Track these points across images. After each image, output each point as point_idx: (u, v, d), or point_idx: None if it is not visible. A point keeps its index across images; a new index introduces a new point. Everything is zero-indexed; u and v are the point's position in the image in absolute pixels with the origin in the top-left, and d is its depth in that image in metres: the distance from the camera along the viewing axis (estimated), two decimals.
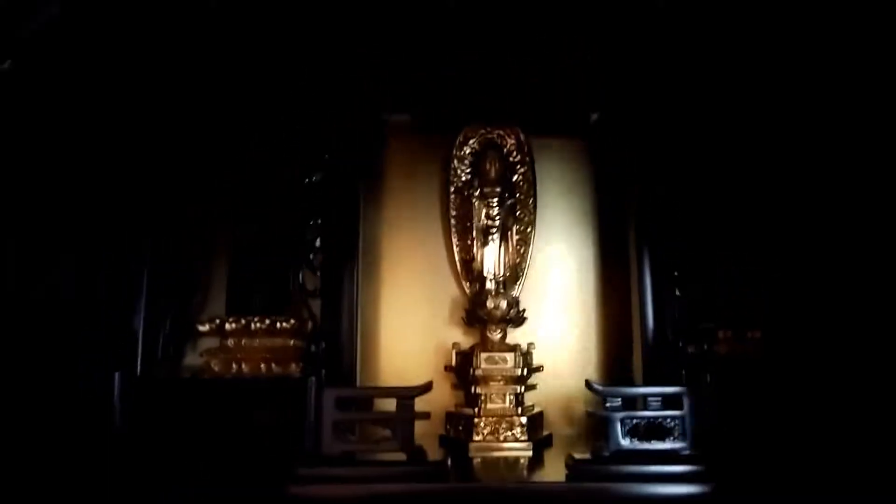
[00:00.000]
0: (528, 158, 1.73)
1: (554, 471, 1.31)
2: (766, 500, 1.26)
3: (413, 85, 1.51)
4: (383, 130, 1.67)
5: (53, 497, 1.27)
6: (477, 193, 1.66)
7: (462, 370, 1.52)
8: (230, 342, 1.50)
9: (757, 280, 1.52)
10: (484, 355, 1.49)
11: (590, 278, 1.71)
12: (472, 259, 1.66)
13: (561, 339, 1.68)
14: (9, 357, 1.31)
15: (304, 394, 1.26)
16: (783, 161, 1.49)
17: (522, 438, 1.44)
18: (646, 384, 1.48)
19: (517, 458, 1.41)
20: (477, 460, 1.39)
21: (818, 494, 1.25)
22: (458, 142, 1.72)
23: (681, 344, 1.46)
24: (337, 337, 1.49)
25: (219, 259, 1.58)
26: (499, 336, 1.55)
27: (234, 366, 1.48)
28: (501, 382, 1.48)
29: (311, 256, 1.54)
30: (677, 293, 1.51)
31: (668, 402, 1.26)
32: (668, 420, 1.24)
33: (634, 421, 1.24)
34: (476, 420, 1.45)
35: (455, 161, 1.72)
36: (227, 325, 1.50)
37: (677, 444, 1.24)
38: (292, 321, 1.50)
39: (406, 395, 1.25)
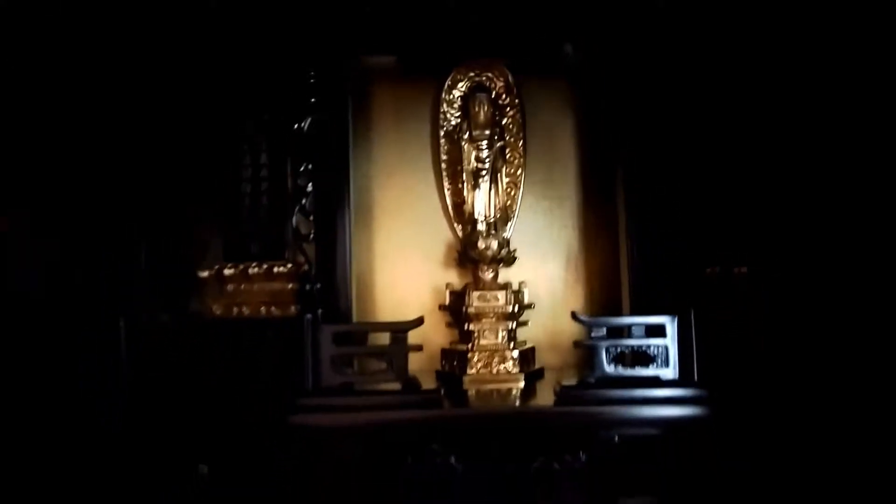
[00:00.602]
0: (517, 101, 1.73)
1: (543, 398, 1.38)
2: (746, 422, 1.34)
3: (397, 24, 1.51)
4: (368, 73, 1.67)
5: (73, 441, 1.34)
6: (466, 137, 1.68)
7: (455, 309, 1.58)
8: (230, 287, 1.55)
9: (744, 218, 1.55)
10: (476, 294, 1.54)
11: (578, 218, 1.75)
12: (463, 202, 1.69)
13: (551, 277, 1.72)
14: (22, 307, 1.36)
15: (303, 332, 1.31)
16: (766, 101, 1.50)
17: (514, 371, 1.51)
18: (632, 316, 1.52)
19: (509, 389, 1.48)
20: (471, 392, 1.46)
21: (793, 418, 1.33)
22: (446, 85, 1.72)
23: (668, 279, 1.51)
24: (332, 279, 1.54)
25: (215, 207, 1.61)
26: (490, 276, 1.60)
27: (234, 309, 1.53)
28: (493, 319, 1.54)
29: (304, 202, 1.57)
30: (665, 232, 1.55)
31: (652, 331, 1.32)
32: (652, 348, 1.30)
33: (619, 349, 1.30)
34: (469, 355, 1.52)
35: (444, 105, 1.73)
36: (226, 271, 1.54)
37: (661, 371, 1.30)
38: (288, 265, 1.54)
39: (399, 329, 1.31)
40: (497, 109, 1.72)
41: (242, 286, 1.55)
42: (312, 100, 1.52)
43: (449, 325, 1.63)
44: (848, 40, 1.44)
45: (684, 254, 1.55)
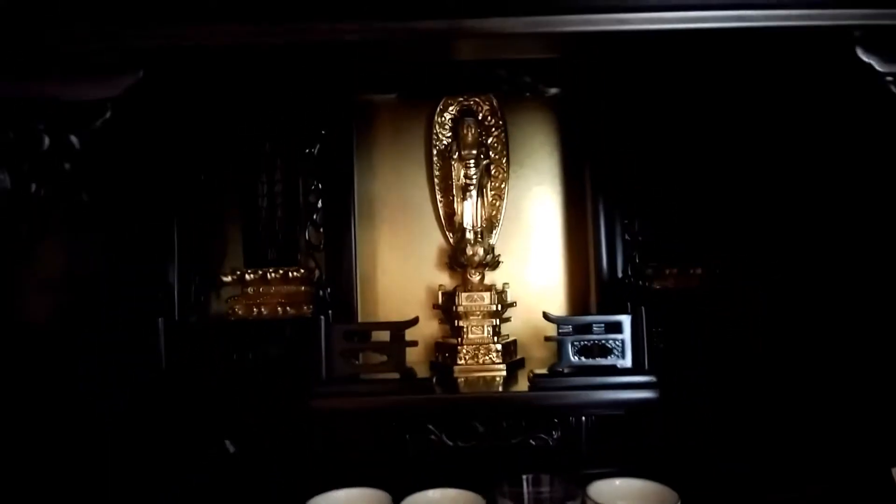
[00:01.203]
0: (501, 122, 1.95)
1: (522, 385, 1.62)
2: (688, 403, 1.58)
3: (394, 72, 1.74)
4: (371, 105, 1.90)
5: (112, 429, 1.54)
6: (456, 156, 1.90)
7: (447, 307, 1.80)
8: (250, 290, 1.78)
9: (700, 223, 1.78)
10: (464, 294, 1.77)
11: (557, 227, 1.97)
12: (454, 213, 1.91)
13: (532, 279, 1.95)
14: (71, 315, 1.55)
15: (317, 330, 1.54)
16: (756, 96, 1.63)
17: (498, 361, 1.74)
18: (599, 315, 1.76)
19: (493, 377, 1.70)
20: (460, 380, 1.69)
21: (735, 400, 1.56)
22: (438, 109, 1.94)
23: (628, 280, 1.74)
24: (340, 283, 1.77)
25: (235, 222, 1.84)
26: (477, 278, 1.82)
27: (254, 310, 1.76)
28: (480, 316, 1.77)
29: (315, 216, 1.80)
30: (627, 237, 1.78)
31: (611, 327, 1.55)
32: (611, 342, 1.54)
33: (583, 343, 1.53)
34: (459, 348, 1.75)
35: (437, 126, 1.95)
36: (247, 276, 1.77)
37: (618, 361, 1.53)
38: (302, 271, 1.77)
39: (398, 328, 1.54)
40: (483, 130, 1.94)
41: (261, 289, 1.78)
42: (322, 131, 1.76)
43: (441, 321, 1.86)
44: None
45: (645, 255, 1.78)
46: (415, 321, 1.57)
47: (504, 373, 1.73)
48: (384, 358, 1.55)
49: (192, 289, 1.81)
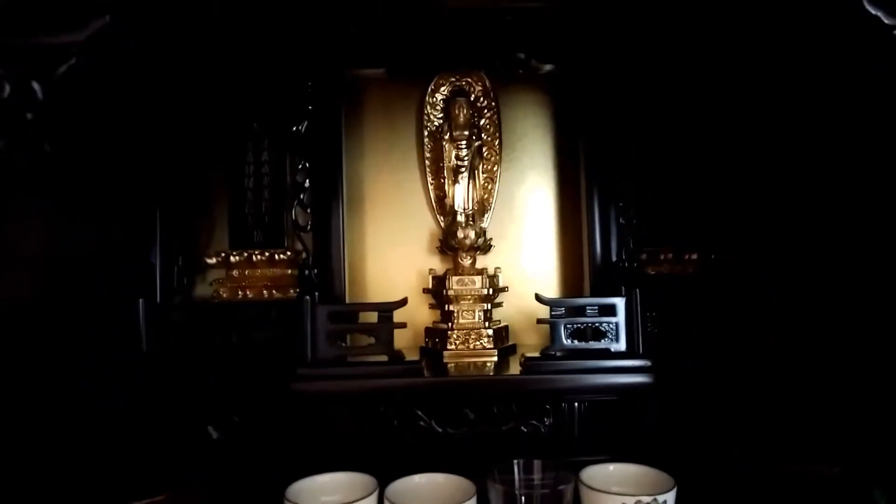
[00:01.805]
0: (493, 104, 1.91)
1: (513, 370, 1.58)
2: (683, 388, 1.54)
3: (383, 43, 1.68)
4: (360, 81, 1.85)
5: (92, 412, 1.50)
6: (447, 137, 1.86)
7: (437, 292, 1.76)
8: (235, 272, 1.73)
9: (698, 207, 1.74)
10: (455, 278, 1.73)
11: (550, 210, 1.93)
12: (445, 195, 1.88)
13: (524, 263, 1.91)
14: (49, 293, 1.51)
15: (302, 311, 1.50)
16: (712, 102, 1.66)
17: (489, 347, 1.70)
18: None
19: (484, 363, 1.67)
20: (450, 365, 1.66)
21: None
22: (429, 89, 1.90)
23: (622, 265, 1.70)
24: (328, 265, 1.72)
25: (221, 201, 1.79)
26: (469, 262, 1.78)
27: (239, 292, 1.72)
28: (471, 301, 1.73)
29: (302, 196, 1.75)
30: (622, 221, 1.74)
31: (605, 310, 1.51)
32: (604, 325, 1.50)
33: (576, 325, 1.49)
34: (449, 333, 1.71)
35: (428, 107, 1.90)
36: (232, 258, 1.72)
37: (612, 344, 1.50)
38: (288, 253, 1.73)
39: (386, 309, 1.50)
40: (475, 111, 1.90)
41: (247, 271, 1.74)
42: (310, 107, 1.70)
43: (432, 306, 1.82)
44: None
45: (640, 239, 1.74)
46: (403, 302, 1.52)
47: (495, 358, 1.69)
48: (372, 340, 1.50)
49: (174, 270, 1.76)
